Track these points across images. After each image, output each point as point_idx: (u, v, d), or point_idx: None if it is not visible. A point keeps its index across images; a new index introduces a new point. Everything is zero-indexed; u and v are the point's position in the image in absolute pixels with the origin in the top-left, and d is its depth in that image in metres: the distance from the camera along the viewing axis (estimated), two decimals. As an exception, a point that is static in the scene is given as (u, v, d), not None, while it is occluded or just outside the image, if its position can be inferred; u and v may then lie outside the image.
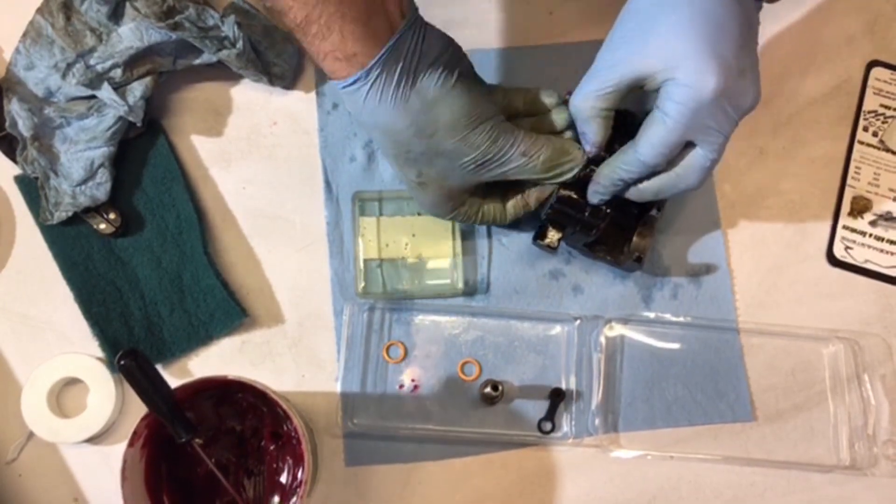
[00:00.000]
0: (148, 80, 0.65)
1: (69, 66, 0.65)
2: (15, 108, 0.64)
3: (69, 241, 0.65)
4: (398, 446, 0.63)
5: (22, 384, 0.63)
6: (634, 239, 0.63)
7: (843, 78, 0.72)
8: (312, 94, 0.70)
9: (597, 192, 0.59)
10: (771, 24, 0.73)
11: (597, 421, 0.63)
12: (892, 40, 0.73)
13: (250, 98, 0.70)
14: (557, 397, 0.63)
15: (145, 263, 0.65)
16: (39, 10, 0.66)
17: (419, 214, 0.67)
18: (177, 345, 0.64)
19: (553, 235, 0.63)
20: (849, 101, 0.72)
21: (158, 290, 0.64)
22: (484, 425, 0.64)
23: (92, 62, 0.64)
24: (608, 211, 0.62)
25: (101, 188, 0.65)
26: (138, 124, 0.65)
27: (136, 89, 0.64)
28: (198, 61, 0.66)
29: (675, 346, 0.66)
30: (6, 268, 0.66)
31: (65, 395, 0.64)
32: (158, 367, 0.63)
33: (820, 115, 0.71)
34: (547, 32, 0.72)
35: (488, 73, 0.70)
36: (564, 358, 0.65)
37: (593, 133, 0.57)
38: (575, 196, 0.61)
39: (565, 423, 0.64)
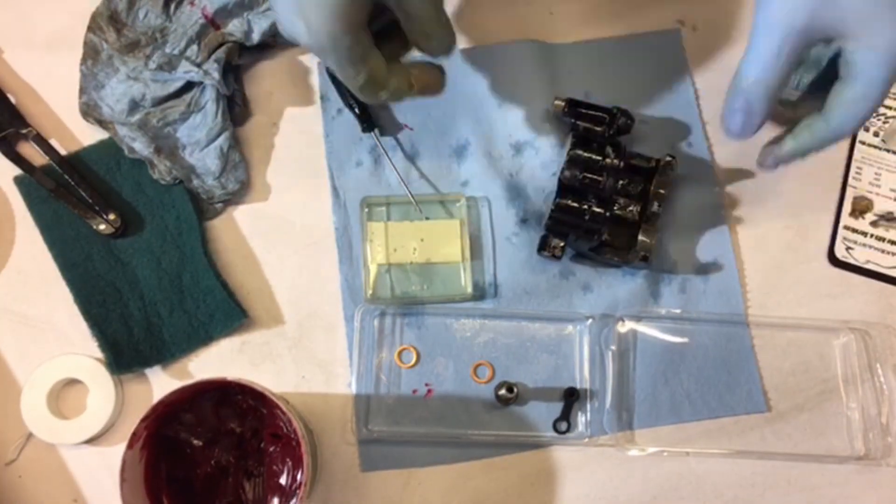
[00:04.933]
0: (223, 48, 0.65)
1: (148, 57, 0.66)
2: (124, 132, 0.65)
3: (69, 241, 0.65)
4: (413, 451, 0.63)
5: (21, 385, 0.63)
6: (640, 237, 0.63)
7: (845, 78, 0.72)
8: (312, 95, 0.70)
9: (777, 161, 0.54)
10: (772, 24, 0.73)
11: (611, 419, 0.63)
12: (894, 40, 0.73)
13: (250, 99, 0.69)
14: (572, 397, 0.63)
15: (145, 264, 0.65)
16: (90, 29, 0.67)
17: (427, 219, 0.67)
18: (176, 345, 0.64)
19: (556, 244, 0.63)
20: (850, 101, 0.71)
21: (158, 291, 0.64)
22: (499, 427, 0.64)
23: (167, 49, 0.65)
24: (608, 214, 0.62)
25: (240, 167, 0.66)
26: (224, 92, 0.65)
27: (214, 59, 0.65)
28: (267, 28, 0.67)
29: (687, 340, 0.66)
30: (6, 268, 0.66)
31: (64, 395, 0.64)
32: (157, 367, 0.63)
33: (821, 115, 0.71)
34: (547, 32, 0.71)
35: (488, 72, 0.70)
36: (577, 357, 0.65)
37: (767, 107, 0.50)
38: (573, 203, 0.61)
39: (580, 423, 0.64)
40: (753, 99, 0.49)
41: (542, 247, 0.64)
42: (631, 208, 0.64)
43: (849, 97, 0.49)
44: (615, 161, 0.60)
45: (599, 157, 0.59)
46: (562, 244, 0.63)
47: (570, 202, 0.61)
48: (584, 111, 0.65)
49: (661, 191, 0.64)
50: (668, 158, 0.64)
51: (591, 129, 0.64)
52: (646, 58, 0.71)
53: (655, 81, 0.70)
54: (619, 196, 0.64)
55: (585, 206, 0.60)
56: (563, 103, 0.65)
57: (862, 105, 0.49)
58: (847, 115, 0.49)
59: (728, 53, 0.72)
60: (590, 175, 0.59)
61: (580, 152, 0.61)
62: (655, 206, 0.63)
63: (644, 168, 0.65)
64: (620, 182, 0.63)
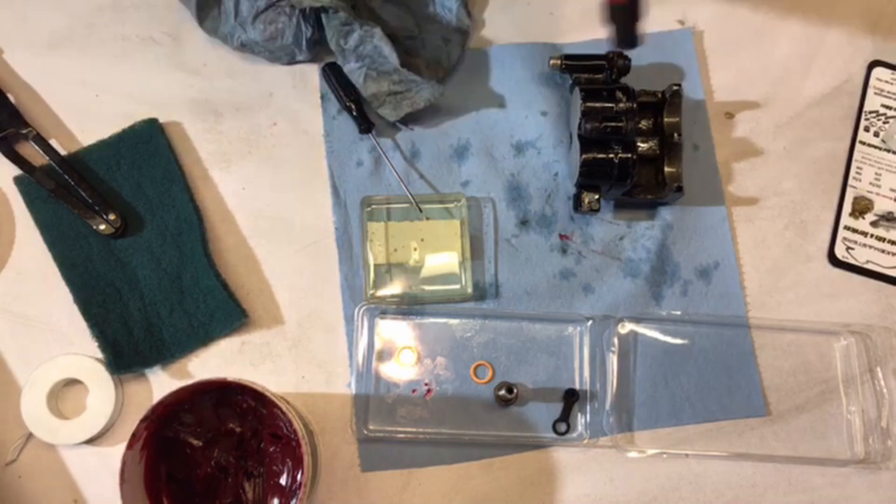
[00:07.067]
0: None
1: None
2: None
3: (69, 241, 0.65)
4: (413, 450, 0.63)
5: (21, 385, 0.63)
6: (667, 170, 0.64)
7: (845, 78, 0.72)
8: (312, 95, 0.70)
9: None
10: (773, 25, 0.73)
11: (611, 420, 0.63)
12: (894, 41, 0.73)
13: (250, 99, 0.69)
14: (571, 398, 0.63)
15: (145, 264, 0.65)
16: None
17: (428, 219, 0.67)
18: (176, 345, 0.64)
19: (591, 199, 0.63)
20: (850, 101, 0.71)
21: (158, 291, 0.64)
22: (498, 428, 0.64)
23: None
24: (634, 157, 0.62)
25: None
26: None
27: None
28: None
29: (688, 342, 0.66)
30: (6, 268, 0.66)
31: (64, 396, 0.64)
32: (157, 368, 0.63)
33: (821, 115, 0.71)
34: (547, 32, 0.71)
35: (489, 72, 0.70)
36: (577, 358, 0.65)
37: None
38: (599, 155, 0.61)
39: (580, 424, 0.64)
40: None
41: (577, 205, 0.64)
42: (650, 144, 0.64)
43: None
44: (629, 104, 0.60)
45: (612, 104, 0.59)
46: (597, 197, 0.63)
47: (595, 155, 0.61)
48: (581, 63, 0.65)
49: (675, 119, 0.64)
50: (675, 87, 0.64)
51: (592, 78, 0.64)
52: (652, 57, 0.71)
53: (666, 82, 0.70)
54: (636, 136, 0.64)
55: (612, 155, 0.61)
56: (559, 60, 0.66)
57: None
58: None
59: (732, 52, 0.72)
60: (611, 123, 0.59)
61: (593, 104, 0.61)
62: (676, 137, 0.64)
63: (651, 103, 0.65)
64: (634, 123, 0.63)
